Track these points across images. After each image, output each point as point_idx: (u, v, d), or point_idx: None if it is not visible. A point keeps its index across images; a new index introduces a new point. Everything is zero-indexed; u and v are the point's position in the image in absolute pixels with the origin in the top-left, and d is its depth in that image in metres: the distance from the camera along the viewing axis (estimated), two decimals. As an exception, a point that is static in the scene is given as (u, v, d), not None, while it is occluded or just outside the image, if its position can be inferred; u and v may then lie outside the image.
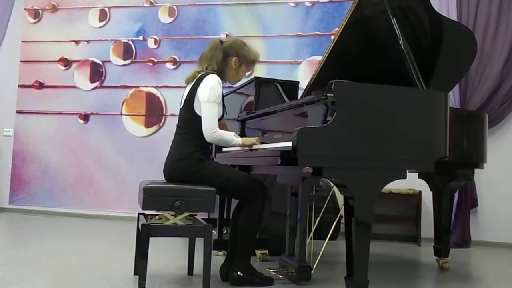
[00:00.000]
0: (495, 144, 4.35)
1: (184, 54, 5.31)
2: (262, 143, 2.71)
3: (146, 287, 2.27)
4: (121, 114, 5.41)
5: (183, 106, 2.64)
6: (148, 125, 5.37)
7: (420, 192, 4.35)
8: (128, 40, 5.45)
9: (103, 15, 5.53)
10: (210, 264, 2.33)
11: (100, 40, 5.51)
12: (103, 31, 5.52)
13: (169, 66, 5.35)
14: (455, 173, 3.15)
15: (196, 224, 2.49)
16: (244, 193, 2.56)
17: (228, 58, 2.68)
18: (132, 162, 5.32)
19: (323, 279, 2.81)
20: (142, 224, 2.34)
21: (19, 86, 5.63)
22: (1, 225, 4.72)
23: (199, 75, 2.61)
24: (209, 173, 2.49)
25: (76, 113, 5.50)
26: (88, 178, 5.40)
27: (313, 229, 2.97)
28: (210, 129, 2.49)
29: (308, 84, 3.05)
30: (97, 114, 5.46)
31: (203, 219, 2.59)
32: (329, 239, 3.11)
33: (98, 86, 5.49)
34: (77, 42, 5.56)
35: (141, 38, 5.42)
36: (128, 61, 5.44)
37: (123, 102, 5.42)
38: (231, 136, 2.63)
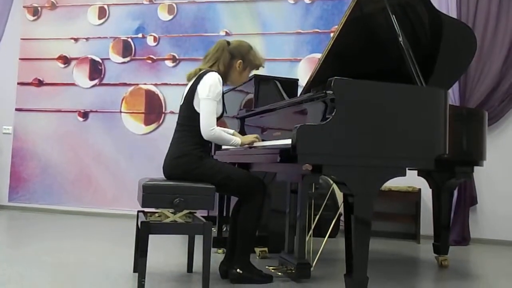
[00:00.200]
0: (494, 142, 4.35)
1: (184, 52, 5.30)
2: (262, 140, 2.71)
3: (146, 285, 2.27)
4: (121, 112, 5.41)
5: (183, 103, 2.63)
6: (147, 122, 5.37)
7: (420, 189, 4.35)
8: (127, 37, 5.44)
9: (102, 13, 5.52)
10: (210, 262, 2.32)
11: (99, 37, 5.51)
12: (102, 28, 5.51)
13: (169, 63, 5.34)
14: (454, 171, 3.15)
15: (196, 222, 2.49)
16: (243, 191, 2.55)
17: (233, 60, 2.67)
18: (132, 160, 5.32)
19: (322, 276, 2.81)
20: (141, 222, 2.34)
21: (18, 83, 5.63)
22: (1, 223, 4.72)
23: (201, 72, 2.60)
24: (209, 171, 2.49)
25: (76, 111, 5.49)
26: (87, 176, 5.41)
27: (313, 226, 2.97)
28: (208, 127, 2.48)
29: (307, 82, 3.05)
30: (96, 111, 5.46)
31: (202, 216, 2.59)
32: (328, 237, 3.12)
33: (97, 83, 5.48)
34: (76, 39, 5.56)
35: (140, 35, 5.42)
36: (128, 59, 5.44)
37: (122, 100, 5.41)
38: (230, 135, 2.62)
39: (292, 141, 2.04)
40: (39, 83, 5.59)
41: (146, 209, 2.54)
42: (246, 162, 2.95)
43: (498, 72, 4.41)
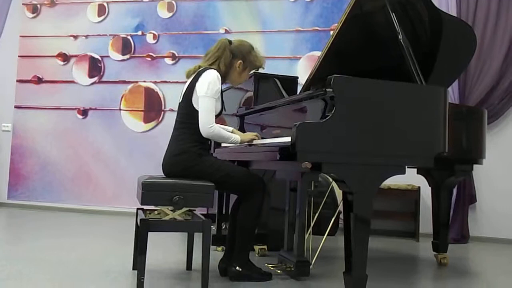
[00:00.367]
0: (494, 140, 4.36)
1: (183, 49, 5.29)
2: (262, 138, 2.71)
3: (145, 282, 2.27)
4: (120, 109, 5.40)
5: (182, 100, 2.62)
6: (147, 120, 5.36)
7: (419, 187, 4.36)
8: (127, 35, 5.44)
9: (101, 10, 5.51)
10: (209, 259, 2.32)
11: (99, 35, 5.50)
12: (101, 26, 5.50)
13: (168, 61, 5.34)
14: (454, 169, 3.15)
15: (195, 219, 2.49)
16: (243, 188, 2.55)
17: (233, 59, 2.66)
18: (131, 157, 5.32)
19: (321, 274, 2.82)
20: (140, 219, 2.33)
21: (17, 81, 5.62)
22: (0, 220, 4.72)
23: (199, 69, 2.60)
24: (208, 168, 2.49)
25: (75, 108, 5.49)
26: (87, 173, 5.41)
27: (312, 224, 2.97)
28: (206, 124, 2.48)
29: (307, 79, 3.04)
30: (95, 109, 5.45)
31: (201, 214, 2.59)
32: (327, 235, 3.12)
33: (97, 81, 5.48)
34: (75, 37, 5.55)
35: (140, 33, 5.41)
36: (127, 56, 5.43)
37: (121, 97, 5.41)
38: (229, 133, 2.62)
39: (291, 139, 2.03)
40: (39, 80, 5.58)
41: (145, 207, 2.53)
42: (246, 160, 2.95)
43: (498, 70, 4.41)
